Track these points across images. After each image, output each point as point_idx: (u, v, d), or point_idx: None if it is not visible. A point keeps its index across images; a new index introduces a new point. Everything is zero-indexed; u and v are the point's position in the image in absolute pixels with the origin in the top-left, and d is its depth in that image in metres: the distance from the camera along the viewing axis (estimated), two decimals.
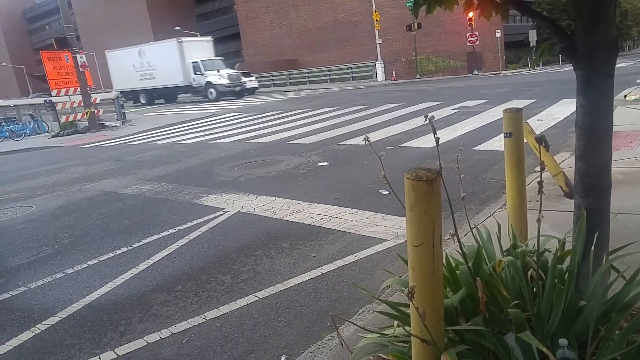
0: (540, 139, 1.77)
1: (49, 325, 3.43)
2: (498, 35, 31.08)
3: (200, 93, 31.07)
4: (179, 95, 34.84)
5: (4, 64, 77.65)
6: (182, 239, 4.90)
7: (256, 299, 3.44)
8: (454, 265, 1.98)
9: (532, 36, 31.03)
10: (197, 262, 4.28)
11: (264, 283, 3.68)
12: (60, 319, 3.51)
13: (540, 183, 1.70)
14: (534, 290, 1.91)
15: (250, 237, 4.76)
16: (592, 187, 2.00)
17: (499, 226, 2.35)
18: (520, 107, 9.30)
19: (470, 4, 2.27)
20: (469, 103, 13.04)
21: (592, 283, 1.83)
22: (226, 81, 29.63)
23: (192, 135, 13.85)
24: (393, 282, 2.16)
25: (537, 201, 1.77)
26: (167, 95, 34.43)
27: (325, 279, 3.62)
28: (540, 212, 1.71)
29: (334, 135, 10.41)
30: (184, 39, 31.96)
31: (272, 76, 39.66)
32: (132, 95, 35.38)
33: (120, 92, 34.60)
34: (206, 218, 5.51)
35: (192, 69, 30.85)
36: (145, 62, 33.89)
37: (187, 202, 6.40)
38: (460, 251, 1.88)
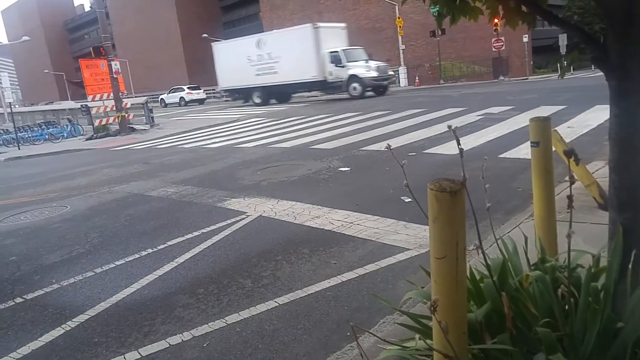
0: (570, 152, 1.71)
1: (78, 323, 3.51)
2: (525, 40, 30.57)
3: (336, 89, 25.77)
4: (296, 94, 30.00)
5: (46, 71, 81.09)
6: (205, 241, 4.95)
7: (276, 304, 3.44)
8: (478, 278, 1.93)
9: (562, 40, 30.33)
10: (219, 265, 4.31)
11: (284, 289, 3.67)
12: (89, 316, 3.60)
13: (569, 197, 1.64)
14: (566, 308, 1.84)
15: (271, 241, 4.77)
16: (628, 202, 1.90)
17: (526, 238, 2.28)
18: (549, 114, 9.03)
19: (495, 13, 2.24)
20: (495, 109, 12.82)
21: (630, 303, 1.73)
22: (374, 74, 24.42)
23: (217, 140, 14.01)
24: (415, 294, 2.12)
25: (568, 212, 1.72)
26: (283, 93, 29.09)
27: (345, 287, 3.59)
28: (570, 228, 1.65)
29: (356, 141, 10.37)
30: (320, 24, 26.47)
31: None
32: (242, 94, 30.99)
33: (227, 90, 31.65)
34: (229, 221, 5.55)
35: (328, 60, 25.15)
36: (265, 54, 28.12)
37: (211, 205, 6.46)
38: (484, 263, 1.83)
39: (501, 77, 29.74)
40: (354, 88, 24.66)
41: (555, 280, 1.89)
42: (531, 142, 2.67)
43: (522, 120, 10.27)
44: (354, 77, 24.54)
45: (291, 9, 48.87)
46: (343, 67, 24.76)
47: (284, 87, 27.99)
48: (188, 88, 46.21)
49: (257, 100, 29.47)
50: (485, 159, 7.00)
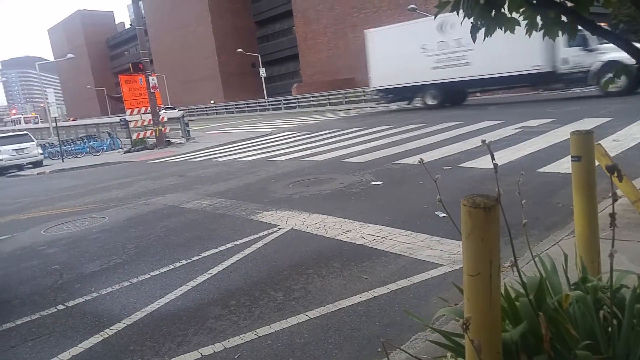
0: (612, 168, 1.64)
1: (115, 331, 3.62)
2: None
3: (574, 82, 18.73)
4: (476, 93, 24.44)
5: (89, 86, 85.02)
6: (238, 254, 5.00)
7: (307, 318, 3.43)
8: (513, 296, 1.87)
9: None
10: (251, 277, 4.34)
11: (315, 302, 3.66)
12: (125, 325, 3.69)
13: (612, 215, 1.57)
14: (608, 330, 1.76)
15: (303, 255, 4.78)
16: None
17: (566, 256, 2.19)
18: (593, 126, 8.74)
19: (533, 24, 2.19)
20: (533, 122, 12.49)
21: None
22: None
23: (250, 153, 14.21)
24: (447, 311, 2.07)
25: (611, 229, 1.65)
26: (460, 92, 22.99)
27: (377, 302, 3.55)
28: (612, 247, 1.58)
29: (389, 154, 10.31)
30: None
31: (329, 95, 40.09)
32: (407, 93, 24.25)
33: (383, 89, 25.19)
34: (261, 234, 5.60)
35: (564, 43, 17.06)
36: (452, 41, 20.89)
37: (244, 217, 6.54)
38: (520, 282, 1.78)
39: (541, 89, 28.93)
40: (612, 80, 17.22)
41: (597, 301, 1.80)
42: (572, 157, 2.58)
43: (562, 133, 9.95)
44: (609, 66, 16.23)
45: (325, 22, 49.45)
46: (591, 50, 17.29)
47: (472, 83, 21.69)
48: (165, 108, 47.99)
49: (431, 102, 22.90)
50: (522, 174, 6.82)
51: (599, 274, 2.37)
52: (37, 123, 61.30)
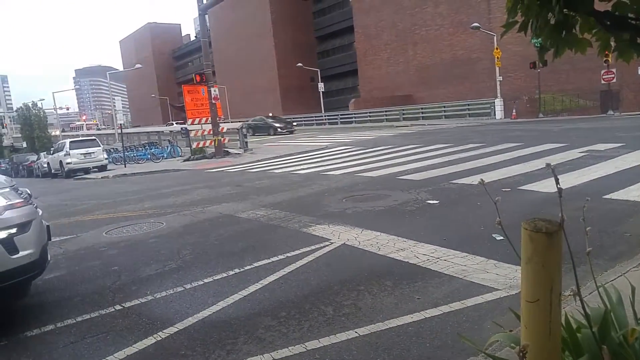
0: None
1: (168, 335, 3.74)
2: None
3: None
4: None
5: (153, 95, 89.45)
6: (290, 265, 5.06)
7: (356, 335, 3.41)
8: (574, 327, 1.79)
9: None
10: (302, 290, 4.38)
11: (365, 320, 3.64)
12: (177, 329, 3.81)
13: None
14: None
15: (354, 271, 4.77)
16: None
17: (633, 288, 2.08)
18: None
19: (606, 46, 2.12)
20: (601, 146, 11.85)
21: None
22: None
23: (305, 166, 14.40)
24: (502, 337, 2.01)
25: None
26: None
27: (428, 323, 3.48)
28: None
29: (446, 173, 10.11)
30: None
31: (386, 111, 40.01)
32: None
33: None
34: (313, 247, 5.65)
35: None
36: None
37: (297, 230, 6.62)
38: (582, 312, 1.70)
39: (610, 112, 27.47)
40: None
41: None
42: None
43: (633, 159, 9.39)
44: None
45: (385, 39, 49.54)
46: None
47: None
48: (176, 123, 50.40)
49: None
50: (587, 200, 6.48)
51: None
52: (99, 130, 65.17)
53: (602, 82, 27.55)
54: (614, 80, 27.16)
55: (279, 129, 37.28)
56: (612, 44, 2.12)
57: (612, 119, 23.80)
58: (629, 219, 5.62)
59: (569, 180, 7.79)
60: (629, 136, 13.74)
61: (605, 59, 25.53)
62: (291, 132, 37.05)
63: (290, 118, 44.90)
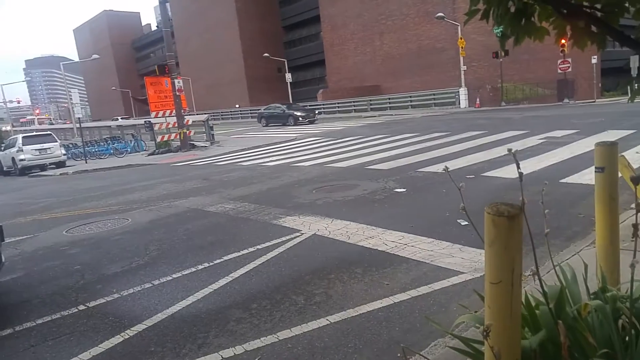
0: (638, 179, 1.65)
1: (136, 332, 3.67)
2: (594, 61, 29.18)
3: None
4: None
5: (113, 88, 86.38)
6: (260, 257, 5.07)
7: (328, 322, 3.46)
8: (533, 304, 1.88)
9: (634, 62, 28.70)
10: (273, 281, 4.39)
11: (336, 307, 3.70)
12: (146, 326, 3.75)
13: (635, 226, 1.58)
14: (626, 340, 1.76)
15: (325, 260, 4.82)
16: None
17: (586, 266, 2.19)
18: (616, 138, 8.59)
19: (563, 33, 2.19)
20: (558, 133, 12.31)
21: None
22: None
23: (274, 158, 14.34)
24: (468, 318, 2.09)
25: (632, 240, 1.65)
26: None
27: (397, 308, 3.57)
28: (634, 257, 1.59)
29: (413, 162, 10.29)
30: None
31: (354, 102, 40.19)
32: None
33: None
34: (284, 239, 5.66)
35: None
36: None
37: (267, 222, 6.61)
38: (541, 290, 1.78)
39: (566, 100, 28.51)
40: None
41: (616, 310, 1.80)
42: (596, 168, 2.57)
43: (586, 144, 9.81)
44: None
45: (352, 29, 49.52)
46: None
47: None
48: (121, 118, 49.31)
49: None
50: (545, 184, 6.74)
51: (618, 285, 2.35)
52: (52, 124, 62.01)
53: (559, 71, 28.51)
54: (570, 69, 28.14)
55: (300, 119, 30.98)
56: (569, 32, 2.20)
57: (568, 107, 24.66)
58: (582, 201, 5.91)
59: (529, 166, 8.08)
60: (583, 123, 14.30)
61: (561, 48, 26.38)
62: (312, 122, 31.12)
63: (311, 105, 41.12)
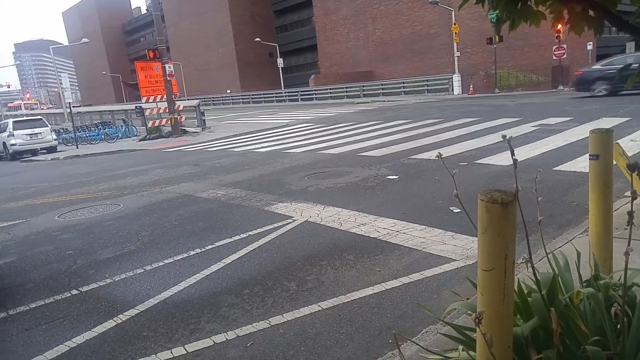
0: (634, 167, 1.63)
1: (129, 317, 3.68)
2: (589, 48, 29.23)
3: None
4: None
5: (104, 72, 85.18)
6: (252, 244, 5.06)
7: (319, 308, 3.47)
8: (526, 292, 1.88)
9: (630, 48, 28.82)
10: (265, 267, 4.39)
11: (328, 293, 3.70)
12: (138, 311, 3.75)
13: (630, 213, 1.57)
14: (618, 327, 1.77)
15: (317, 246, 4.81)
16: None
17: (579, 254, 2.20)
18: (611, 125, 8.62)
19: (559, 18, 2.16)
20: (552, 120, 12.35)
21: None
22: None
23: (266, 144, 14.27)
24: (460, 305, 2.09)
25: (626, 229, 1.65)
26: None
27: (389, 294, 3.58)
28: (629, 244, 1.58)
29: (405, 149, 10.28)
30: None
31: (346, 88, 40.00)
32: None
33: None
34: (275, 225, 5.65)
35: None
36: None
37: (259, 208, 6.59)
38: (533, 278, 1.78)
39: (560, 87, 28.53)
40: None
41: (609, 298, 1.81)
42: (590, 155, 2.56)
43: (580, 132, 9.85)
44: None
45: (344, 13, 49.14)
46: None
47: None
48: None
49: None
50: (539, 171, 6.77)
51: (611, 272, 2.36)
52: (40, 108, 60.85)
53: (554, 57, 28.47)
54: (565, 56, 28.11)
55: None
56: (566, 16, 2.17)
57: (562, 94, 24.68)
58: (575, 189, 5.92)
59: (522, 154, 8.10)
60: (577, 110, 14.34)
61: (557, 34, 26.32)
62: None
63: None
